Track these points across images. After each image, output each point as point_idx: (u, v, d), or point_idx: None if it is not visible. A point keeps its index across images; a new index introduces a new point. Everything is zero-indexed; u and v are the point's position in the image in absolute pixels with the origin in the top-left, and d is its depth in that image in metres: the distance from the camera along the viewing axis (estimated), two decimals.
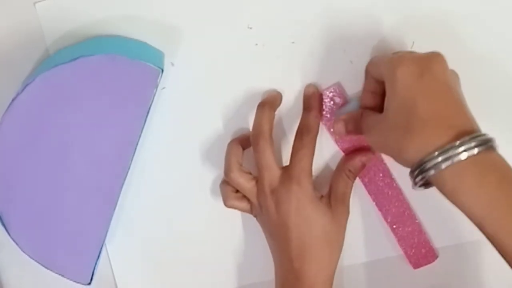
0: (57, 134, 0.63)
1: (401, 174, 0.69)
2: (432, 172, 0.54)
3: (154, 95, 0.63)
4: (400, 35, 0.68)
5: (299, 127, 0.66)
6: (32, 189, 0.64)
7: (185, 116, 0.69)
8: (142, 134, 0.65)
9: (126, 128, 0.64)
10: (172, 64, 0.68)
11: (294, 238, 0.63)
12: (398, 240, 0.70)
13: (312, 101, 0.68)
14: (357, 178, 0.69)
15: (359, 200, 0.70)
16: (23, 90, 0.62)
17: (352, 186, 0.67)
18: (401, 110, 0.57)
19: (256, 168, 0.66)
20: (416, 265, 0.71)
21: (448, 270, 0.71)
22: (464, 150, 0.53)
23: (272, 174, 0.64)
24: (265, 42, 0.68)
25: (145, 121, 0.64)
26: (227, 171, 0.66)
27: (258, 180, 0.65)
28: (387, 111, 0.58)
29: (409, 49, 0.68)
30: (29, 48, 0.67)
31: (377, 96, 0.64)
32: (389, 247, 0.71)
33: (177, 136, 0.69)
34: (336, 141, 0.69)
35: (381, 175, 0.69)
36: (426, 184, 0.56)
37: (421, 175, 0.55)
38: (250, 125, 0.68)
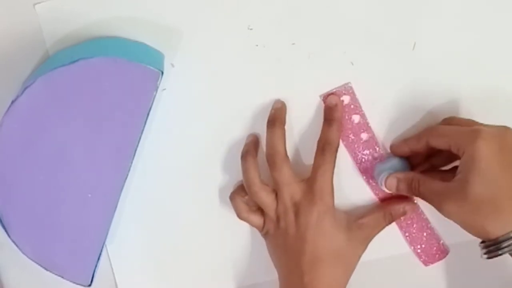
0: (57, 136, 0.63)
1: None
2: (507, 250, 0.57)
3: (154, 97, 0.63)
4: (401, 36, 0.68)
5: (320, 141, 0.67)
6: (32, 190, 0.64)
7: (185, 117, 0.69)
8: (143, 135, 0.64)
9: (126, 130, 0.64)
10: (173, 65, 0.68)
11: (309, 251, 0.64)
12: (407, 237, 0.70)
13: (334, 113, 0.68)
14: (363, 178, 0.70)
15: (366, 198, 0.70)
16: (23, 92, 0.62)
17: (382, 228, 0.68)
18: (486, 185, 0.58)
19: (275, 185, 0.66)
20: (427, 262, 0.71)
21: (459, 267, 0.72)
22: None
23: (292, 189, 0.65)
24: (266, 43, 0.67)
25: (145, 123, 0.64)
26: (249, 185, 0.67)
27: (278, 196, 0.66)
28: (467, 184, 0.59)
29: (411, 50, 0.68)
30: (29, 49, 0.67)
31: (412, 154, 0.67)
32: (399, 244, 0.71)
33: (177, 137, 0.69)
34: (370, 187, 0.70)
35: None
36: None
37: (497, 251, 0.57)
38: (251, 125, 0.69)
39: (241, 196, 0.68)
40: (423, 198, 0.63)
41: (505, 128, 0.61)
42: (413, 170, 0.68)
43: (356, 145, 0.69)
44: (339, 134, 0.67)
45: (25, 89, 0.62)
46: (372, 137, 0.69)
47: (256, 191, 0.66)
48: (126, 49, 0.65)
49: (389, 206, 0.68)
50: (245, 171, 0.67)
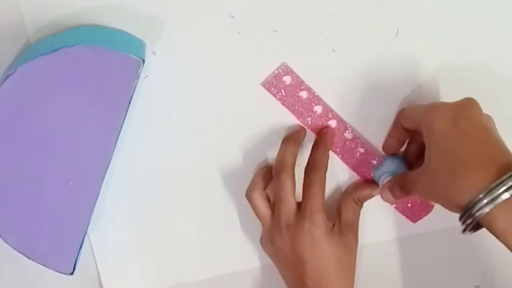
0: (38, 125, 0.63)
1: None
2: (478, 215, 0.54)
3: (136, 85, 0.63)
4: (384, 23, 0.67)
5: (307, 164, 0.67)
6: (13, 179, 0.64)
7: (168, 104, 0.69)
8: (125, 123, 0.65)
9: (108, 118, 0.64)
10: (154, 53, 0.67)
11: (310, 271, 0.64)
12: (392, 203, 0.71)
13: (322, 137, 0.68)
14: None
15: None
16: (4, 81, 0.62)
17: (360, 212, 0.68)
18: (441, 157, 0.57)
19: (275, 198, 0.66)
20: (415, 218, 0.71)
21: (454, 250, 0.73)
22: (506, 190, 0.53)
23: (288, 208, 0.65)
24: (247, 31, 0.67)
25: (126, 111, 0.64)
26: (249, 189, 0.67)
27: (275, 211, 0.66)
28: (429, 161, 0.59)
29: (394, 37, 0.67)
30: (10, 38, 0.67)
31: (401, 143, 0.67)
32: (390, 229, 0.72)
33: (159, 125, 0.69)
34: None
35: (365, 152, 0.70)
36: (476, 228, 0.56)
37: (470, 219, 0.55)
38: (232, 112, 0.69)
39: (263, 181, 0.68)
40: (412, 192, 0.63)
41: (467, 99, 0.60)
42: (410, 168, 0.68)
43: (310, 119, 0.69)
44: (325, 158, 0.67)
45: (6, 78, 0.62)
46: (326, 109, 0.69)
47: (252, 197, 0.67)
48: (107, 37, 0.65)
49: (356, 191, 0.69)
50: (253, 175, 0.68)
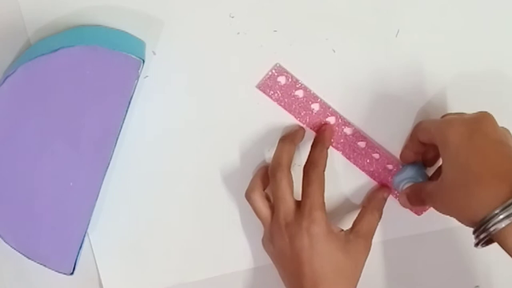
0: (38, 125, 0.63)
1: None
2: (493, 230, 0.54)
3: (136, 85, 0.63)
4: (384, 23, 0.67)
5: (306, 162, 0.67)
6: (13, 179, 0.64)
7: (167, 104, 0.69)
8: (124, 123, 0.64)
9: (108, 118, 0.63)
10: (154, 53, 0.67)
11: (308, 272, 0.63)
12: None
13: (320, 134, 0.69)
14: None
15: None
16: (4, 81, 0.62)
17: (377, 224, 0.68)
18: (456, 171, 0.58)
19: (273, 199, 0.66)
20: (419, 211, 0.71)
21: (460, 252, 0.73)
22: None
23: (287, 207, 0.65)
24: (247, 31, 0.67)
25: (126, 111, 0.64)
26: (249, 190, 0.67)
27: (274, 211, 0.66)
28: (445, 175, 0.59)
29: (394, 37, 0.67)
30: (10, 38, 0.67)
31: (418, 155, 0.67)
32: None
33: (159, 125, 0.69)
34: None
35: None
36: (488, 242, 0.57)
37: (484, 233, 0.55)
38: (232, 111, 0.69)
39: (262, 181, 0.68)
40: (426, 203, 0.64)
41: (482, 113, 0.60)
42: (429, 175, 0.68)
43: (308, 117, 0.69)
44: (324, 156, 0.67)
45: (6, 78, 0.62)
46: (324, 106, 0.69)
47: (251, 198, 0.67)
48: (107, 37, 0.65)
49: (371, 202, 0.69)
50: (253, 176, 0.69)
